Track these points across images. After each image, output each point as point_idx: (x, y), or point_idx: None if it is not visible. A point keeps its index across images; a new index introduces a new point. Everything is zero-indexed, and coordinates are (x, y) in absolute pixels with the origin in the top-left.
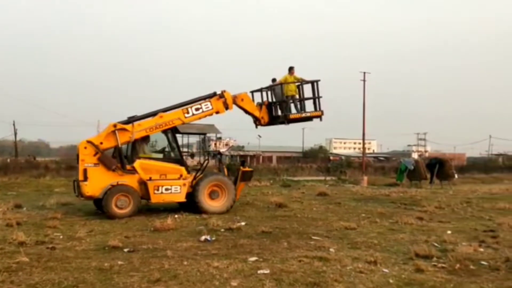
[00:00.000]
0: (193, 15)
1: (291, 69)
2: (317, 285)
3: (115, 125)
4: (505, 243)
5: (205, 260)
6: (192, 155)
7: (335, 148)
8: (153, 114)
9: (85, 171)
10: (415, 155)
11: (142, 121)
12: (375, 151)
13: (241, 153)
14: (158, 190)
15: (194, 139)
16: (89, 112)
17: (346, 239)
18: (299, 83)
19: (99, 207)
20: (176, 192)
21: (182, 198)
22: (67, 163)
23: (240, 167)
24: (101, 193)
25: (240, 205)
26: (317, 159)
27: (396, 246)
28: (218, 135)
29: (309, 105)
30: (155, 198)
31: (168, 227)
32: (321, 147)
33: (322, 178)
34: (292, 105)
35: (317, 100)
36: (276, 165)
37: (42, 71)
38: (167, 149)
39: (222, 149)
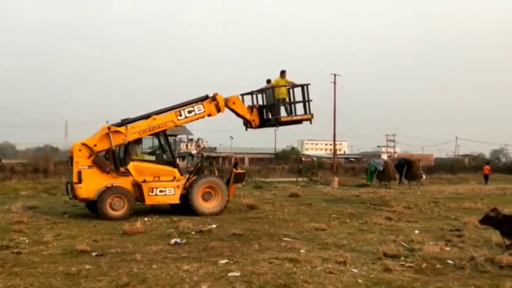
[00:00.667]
0: (192, 15)
1: (283, 73)
2: (287, 287)
3: (109, 128)
4: (470, 242)
5: (175, 263)
6: (183, 158)
7: (307, 149)
8: (147, 116)
9: (79, 173)
10: (384, 156)
11: (136, 123)
12: (346, 152)
13: (213, 154)
14: (152, 192)
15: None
16: (57, 113)
17: (316, 240)
18: (290, 87)
19: (93, 210)
20: (170, 194)
21: (176, 200)
22: (34, 165)
23: (233, 169)
24: (96, 195)
25: None
26: (289, 160)
27: (365, 246)
28: (190, 137)
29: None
30: (150, 200)
31: (138, 231)
32: (293, 148)
33: (294, 179)
34: (282, 108)
35: (307, 103)
36: (248, 167)
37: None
38: (158, 151)
39: (194, 151)
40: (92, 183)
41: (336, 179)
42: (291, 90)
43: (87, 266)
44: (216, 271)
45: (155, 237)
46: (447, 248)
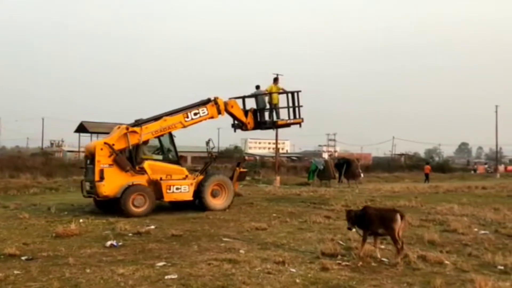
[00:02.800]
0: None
1: (276, 80)
2: None
3: (127, 128)
4: (404, 240)
5: (110, 266)
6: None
7: (250, 148)
8: (158, 118)
9: (101, 171)
10: (325, 155)
11: (149, 124)
12: (289, 151)
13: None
14: (170, 189)
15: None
16: None
17: (256, 240)
18: (282, 93)
19: (102, 208)
20: (185, 191)
21: (190, 197)
22: None
23: (236, 168)
24: (118, 193)
25: None
26: (232, 159)
27: (304, 246)
28: None
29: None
30: (168, 197)
31: (72, 233)
32: (236, 147)
33: None
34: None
35: (297, 108)
36: (191, 165)
37: None
38: (159, 152)
39: None
40: (113, 181)
41: (278, 178)
42: (287, 95)
43: (15, 272)
44: (153, 274)
45: (90, 239)
46: (382, 246)
